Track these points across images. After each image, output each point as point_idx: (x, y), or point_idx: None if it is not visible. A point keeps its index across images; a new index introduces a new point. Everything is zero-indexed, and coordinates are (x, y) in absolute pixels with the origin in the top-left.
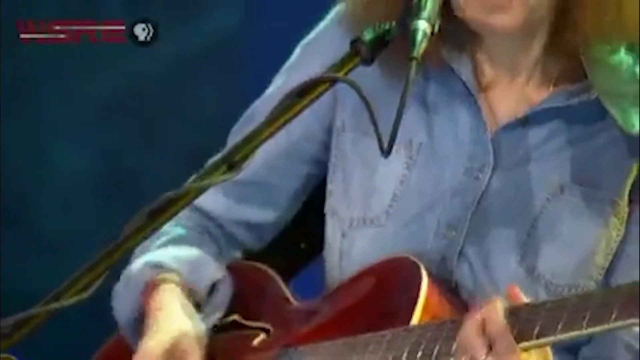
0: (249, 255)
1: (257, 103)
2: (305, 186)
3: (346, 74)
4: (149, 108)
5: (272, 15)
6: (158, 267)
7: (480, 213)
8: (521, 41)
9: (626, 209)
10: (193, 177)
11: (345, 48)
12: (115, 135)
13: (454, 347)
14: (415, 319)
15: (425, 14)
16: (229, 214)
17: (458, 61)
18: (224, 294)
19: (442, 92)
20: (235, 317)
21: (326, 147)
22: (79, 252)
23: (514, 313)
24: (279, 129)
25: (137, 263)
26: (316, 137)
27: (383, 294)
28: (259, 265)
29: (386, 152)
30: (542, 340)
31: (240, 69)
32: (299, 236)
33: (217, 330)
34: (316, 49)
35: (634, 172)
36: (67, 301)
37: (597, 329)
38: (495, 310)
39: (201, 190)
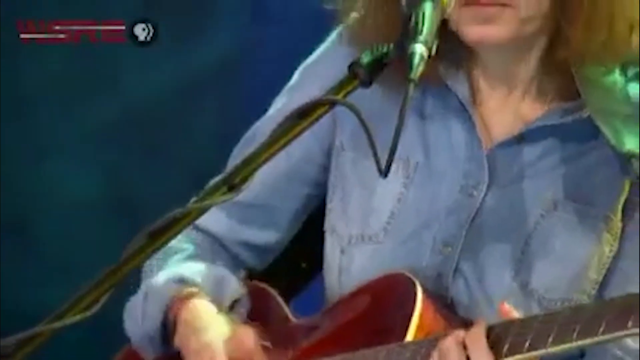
0: (251, 275)
1: (258, 124)
2: (305, 207)
3: (345, 96)
4: (150, 127)
5: (273, 34)
6: (182, 282)
7: (475, 229)
8: (516, 56)
9: (619, 225)
10: (194, 198)
11: (345, 70)
12: (116, 153)
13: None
14: (409, 336)
15: (422, 37)
16: (232, 234)
17: (454, 78)
18: (244, 310)
19: (439, 106)
20: None
21: (325, 169)
22: (80, 271)
23: (506, 327)
24: (278, 150)
25: (159, 278)
26: (316, 159)
27: (379, 311)
28: (258, 284)
29: (384, 173)
30: (533, 353)
31: (240, 89)
32: (300, 256)
33: None
34: (316, 72)
35: (626, 189)
36: (71, 319)
37: (587, 341)
38: (478, 325)
39: (202, 211)
